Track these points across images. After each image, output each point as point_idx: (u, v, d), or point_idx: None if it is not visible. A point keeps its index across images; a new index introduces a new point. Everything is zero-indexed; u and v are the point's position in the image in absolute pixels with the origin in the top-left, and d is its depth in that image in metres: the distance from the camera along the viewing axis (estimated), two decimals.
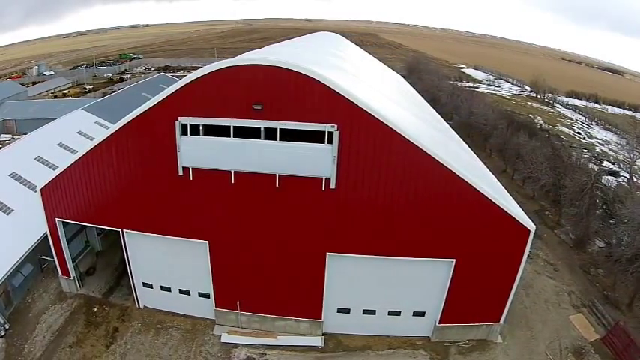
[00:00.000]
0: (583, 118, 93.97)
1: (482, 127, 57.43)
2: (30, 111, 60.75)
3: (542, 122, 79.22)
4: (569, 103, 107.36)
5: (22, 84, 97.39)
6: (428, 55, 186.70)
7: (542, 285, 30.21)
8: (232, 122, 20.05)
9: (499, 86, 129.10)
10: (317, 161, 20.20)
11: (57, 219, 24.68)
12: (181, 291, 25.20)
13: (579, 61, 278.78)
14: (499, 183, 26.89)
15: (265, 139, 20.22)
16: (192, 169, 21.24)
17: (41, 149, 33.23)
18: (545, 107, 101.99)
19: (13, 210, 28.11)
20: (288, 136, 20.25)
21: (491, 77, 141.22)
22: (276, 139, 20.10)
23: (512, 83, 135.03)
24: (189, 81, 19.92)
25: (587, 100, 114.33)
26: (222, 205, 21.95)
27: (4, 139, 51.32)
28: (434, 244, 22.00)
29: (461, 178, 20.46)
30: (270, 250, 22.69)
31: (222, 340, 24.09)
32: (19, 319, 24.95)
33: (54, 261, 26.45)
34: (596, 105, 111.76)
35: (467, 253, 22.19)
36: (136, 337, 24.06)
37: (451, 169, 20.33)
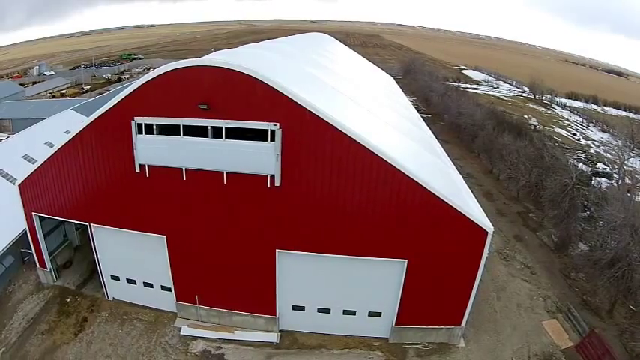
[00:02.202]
0: (580, 120, 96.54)
1: (471, 128, 59.63)
2: (26, 111, 66.29)
3: (536, 123, 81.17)
4: (568, 104, 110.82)
5: (23, 84, 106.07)
6: (429, 56, 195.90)
7: (515, 288, 31.31)
8: (182, 121, 22.59)
9: (497, 87, 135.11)
10: (261, 159, 22.36)
11: (34, 213, 28.18)
12: (145, 284, 28.01)
13: (583, 63, 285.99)
14: (465, 184, 28.49)
15: (213, 137, 22.62)
16: (148, 166, 23.88)
17: (29, 148, 37.20)
18: (543, 108, 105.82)
19: None
20: (236, 134, 22.52)
21: (491, 78, 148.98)
22: (222, 138, 22.64)
23: (512, 84, 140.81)
24: (143, 82, 22.64)
25: (586, 102, 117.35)
26: (176, 201, 24.48)
27: (1, 138, 56.74)
28: (384, 243, 23.59)
29: (410, 177, 22.02)
30: (223, 246, 25.05)
31: (181, 333, 26.60)
32: None
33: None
34: (595, 107, 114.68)
35: (419, 254, 23.69)
36: (102, 327, 26.94)
37: (399, 168, 21.94)
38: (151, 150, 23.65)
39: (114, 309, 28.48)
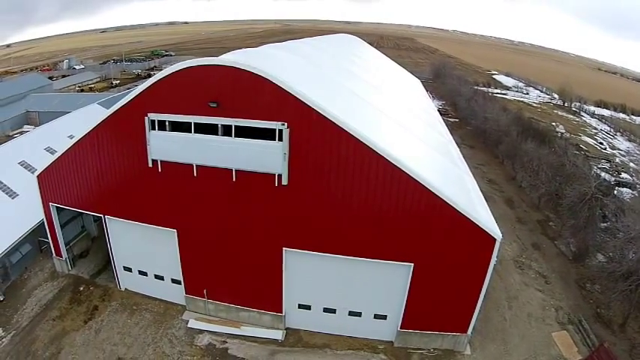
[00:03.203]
0: (608, 128, 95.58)
1: (496, 133, 59.86)
2: (53, 103, 68.84)
3: (563, 131, 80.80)
4: (596, 112, 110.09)
5: (52, 77, 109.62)
6: (462, 60, 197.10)
7: (528, 298, 31.13)
8: (193, 119, 23.43)
9: (527, 94, 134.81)
10: (269, 157, 22.97)
11: (51, 203, 29.53)
12: (156, 276, 29.07)
13: (614, 71, 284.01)
14: (478, 190, 28.38)
15: (223, 135, 23.36)
16: (161, 161, 24.82)
17: (52, 140, 38.68)
18: (571, 116, 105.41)
19: (18, 195, 33.68)
20: (245, 133, 23.14)
21: (521, 84, 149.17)
22: (231, 136, 23.35)
23: (542, 91, 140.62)
24: (156, 80, 23.49)
25: (614, 110, 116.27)
26: (187, 197, 25.33)
27: (27, 130, 59.05)
28: (390, 246, 23.83)
29: (415, 179, 22.13)
30: (231, 242, 25.76)
31: (188, 326, 27.50)
32: (13, 293, 29.95)
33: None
34: (624, 116, 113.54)
35: (425, 258, 23.83)
36: (112, 316, 28.10)
37: (404, 169, 22.09)
38: (164, 146, 24.55)
39: (125, 299, 29.62)
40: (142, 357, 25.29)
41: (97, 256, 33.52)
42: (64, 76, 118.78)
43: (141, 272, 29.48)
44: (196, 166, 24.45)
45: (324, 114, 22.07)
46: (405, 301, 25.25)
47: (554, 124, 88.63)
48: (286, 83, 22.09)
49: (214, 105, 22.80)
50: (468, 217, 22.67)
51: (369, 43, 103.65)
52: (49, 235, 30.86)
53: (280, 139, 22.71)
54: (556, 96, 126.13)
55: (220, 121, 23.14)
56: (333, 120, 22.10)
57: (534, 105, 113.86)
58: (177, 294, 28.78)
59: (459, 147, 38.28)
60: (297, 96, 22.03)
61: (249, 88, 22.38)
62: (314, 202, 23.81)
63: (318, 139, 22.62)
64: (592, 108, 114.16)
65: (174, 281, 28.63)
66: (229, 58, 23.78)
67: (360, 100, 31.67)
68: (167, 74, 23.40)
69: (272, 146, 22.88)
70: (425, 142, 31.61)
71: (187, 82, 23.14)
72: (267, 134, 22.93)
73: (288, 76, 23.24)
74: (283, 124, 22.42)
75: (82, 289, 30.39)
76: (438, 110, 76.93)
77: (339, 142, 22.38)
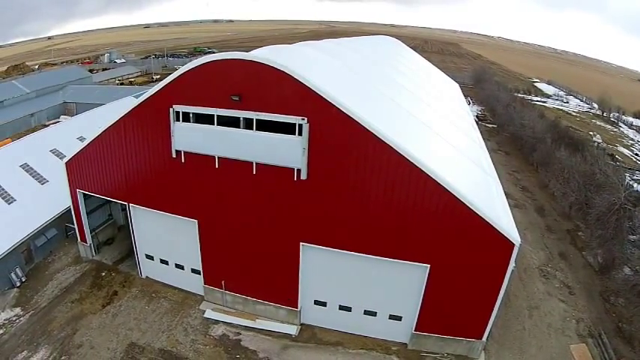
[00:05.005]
0: None
1: (531, 140, 59.31)
2: (91, 96, 71.02)
3: (600, 140, 79.06)
4: (634, 123, 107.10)
5: (92, 70, 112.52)
6: (505, 67, 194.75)
7: (550, 308, 30.47)
8: (216, 111, 23.92)
9: (567, 102, 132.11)
10: (289, 152, 23.21)
11: (78, 190, 30.66)
12: (177, 265, 29.77)
13: None
14: (503, 195, 27.71)
15: (245, 128, 23.74)
16: (184, 152, 25.42)
17: (85, 130, 39.44)
18: (609, 126, 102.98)
19: (48, 181, 35.03)
20: (266, 126, 23.52)
21: (562, 93, 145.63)
22: (253, 129, 23.68)
23: (582, 100, 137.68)
24: (181, 73, 24.11)
25: None
26: (209, 188, 25.87)
27: (63, 120, 61.00)
28: (407, 246, 23.68)
29: (434, 179, 21.92)
30: (250, 235, 26.17)
31: (205, 316, 28.03)
32: (36, 275, 31.27)
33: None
34: None
35: (442, 260, 23.53)
36: (130, 302, 28.90)
37: (423, 169, 21.91)
38: (187, 137, 25.11)
39: (145, 287, 30.42)
40: (154, 343, 25.89)
41: (121, 243, 34.52)
42: (104, 70, 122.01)
43: (162, 261, 30.23)
44: (218, 157, 24.89)
45: (344, 110, 22.10)
46: (420, 303, 25.01)
47: (591, 133, 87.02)
48: (307, 79, 22.21)
49: (236, 99, 23.22)
50: (487, 220, 22.26)
51: (414, 47, 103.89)
52: (74, 221, 31.99)
53: (300, 134, 22.92)
54: (595, 105, 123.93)
55: (242, 114, 23.52)
56: (354, 117, 22.11)
57: (573, 114, 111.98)
58: (196, 284, 29.39)
59: (495, 153, 37.68)
60: (318, 92, 22.13)
61: (270, 82, 22.67)
62: (332, 198, 23.89)
63: (338, 135, 22.69)
64: (630, 119, 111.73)
65: (193, 271, 29.25)
66: (251, 53, 24.16)
67: (387, 99, 31.72)
68: (192, 67, 23.94)
69: (292, 140, 23.10)
70: (452, 145, 31.21)
71: (211, 75, 23.65)
72: (288, 129, 23.18)
73: (311, 73, 23.48)
74: (303, 119, 22.62)
75: (103, 274, 31.39)
76: (477, 116, 76.20)
77: (359, 139, 22.38)
